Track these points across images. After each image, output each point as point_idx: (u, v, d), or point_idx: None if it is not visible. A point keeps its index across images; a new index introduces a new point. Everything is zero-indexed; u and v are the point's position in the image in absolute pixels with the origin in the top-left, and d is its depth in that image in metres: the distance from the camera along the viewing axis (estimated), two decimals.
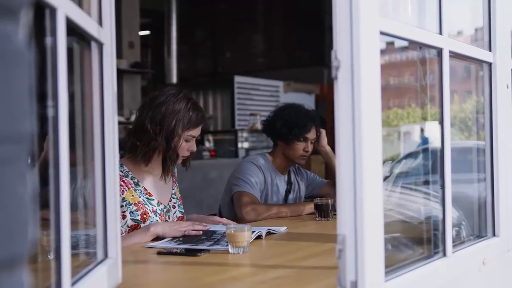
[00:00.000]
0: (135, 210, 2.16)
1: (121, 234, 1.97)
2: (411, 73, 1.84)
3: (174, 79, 8.75)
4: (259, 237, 2.05)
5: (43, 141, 1.05)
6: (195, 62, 10.63)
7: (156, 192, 2.27)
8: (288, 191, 2.98)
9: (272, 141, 3.00)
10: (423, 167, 1.85)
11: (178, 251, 1.84)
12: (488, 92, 1.76)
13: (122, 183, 2.15)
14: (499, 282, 1.79)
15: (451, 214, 1.49)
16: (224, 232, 2.11)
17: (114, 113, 1.33)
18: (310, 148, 2.89)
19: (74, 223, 1.32)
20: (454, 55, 1.52)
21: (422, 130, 2.01)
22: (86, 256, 1.35)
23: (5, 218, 0.52)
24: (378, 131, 1.15)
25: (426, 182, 1.76)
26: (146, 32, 10.13)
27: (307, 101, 7.68)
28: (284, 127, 2.85)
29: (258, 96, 8.23)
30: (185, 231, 2.05)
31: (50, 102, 0.96)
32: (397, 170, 2.09)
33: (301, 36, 9.30)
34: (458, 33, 1.96)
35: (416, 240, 1.62)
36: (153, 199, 2.24)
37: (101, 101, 1.30)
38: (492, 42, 1.74)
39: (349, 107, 1.11)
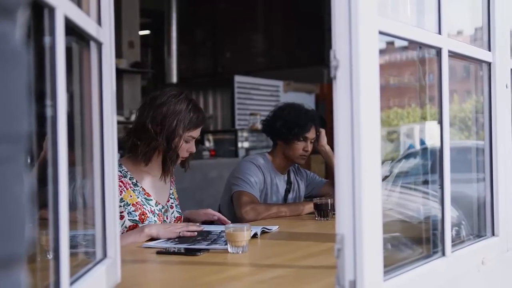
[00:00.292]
0: (133, 211, 2.16)
1: None
2: (411, 73, 1.84)
3: (174, 79, 8.76)
4: (254, 236, 2.06)
5: (42, 140, 1.05)
6: (195, 62, 10.63)
7: (154, 192, 2.27)
8: (287, 191, 2.98)
9: (272, 140, 3.00)
10: (422, 167, 1.85)
11: (177, 250, 1.85)
12: (488, 92, 1.77)
13: (120, 183, 2.15)
14: (498, 282, 1.79)
15: (451, 214, 1.49)
16: (220, 231, 2.12)
17: (113, 112, 1.33)
18: (309, 147, 2.89)
19: (73, 223, 1.33)
20: (453, 54, 1.52)
21: (421, 130, 2.01)
22: (85, 256, 1.35)
23: (2, 217, 0.52)
24: (376, 130, 1.15)
25: (426, 182, 1.76)
26: (146, 32, 10.14)
27: (307, 100, 7.68)
28: (284, 126, 2.85)
29: (258, 96, 8.22)
30: (179, 232, 2.05)
31: (49, 102, 0.97)
32: (396, 170, 2.09)
33: (301, 36, 9.30)
34: (458, 33, 1.96)
35: (415, 240, 1.63)
36: (151, 200, 2.24)
37: (100, 101, 1.30)
38: (491, 42, 1.74)
39: (348, 106, 1.11)
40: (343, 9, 1.10)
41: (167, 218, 2.29)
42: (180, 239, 2.02)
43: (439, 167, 1.48)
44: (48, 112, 0.96)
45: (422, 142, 1.91)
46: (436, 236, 1.50)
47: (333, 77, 1.13)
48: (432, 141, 1.62)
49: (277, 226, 2.31)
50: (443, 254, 1.45)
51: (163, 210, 2.28)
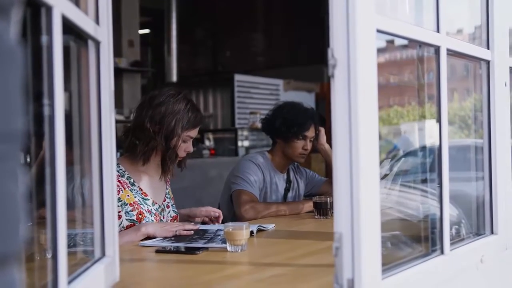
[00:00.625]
0: (130, 211, 2.16)
1: None
2: (411, 71, 1.84)
3: (174, 78, 8.75)
4: (250, 234, 2.05)
5: (42, 140, 1.05)
6: (195, 60, 10.63)
7: (151, 192, 2.27)
8: (287, 190, 2.98)
9: (271, 139, 3.00)
10: (422, 165, 1.86)
11: (177, 249, 1.85)
12: (486, 90, 1.76)
13: (118, 183, 2.16)
14: (497, 280, 1.79)
15: (450, 212, 1.49)
16: (217, 230, 2.12)
17: (111, 111, 1.33)
18: (309, 146, 2.89)
19: (73, 222, 1.33)
20: (451, 53, 1.52)
21: (420, 129, 2.01)
22: (84, 255, 1.35)
23: None
24: (374, 129, 1.15)
25: (425, 180, 1.76)
26: (146, 31, 10.14)
27: (307, 99, 7.68)
28: (283, 125, 2.85)
29: (258, 95, 8.22)
30: (176, 231, 2.05)
31: (46, 101, 0.97)
32: (396, 168, 2.09)
33: (301, 34, 9.29)
34: (457, 31, 1.96)
35: (414, 238, 1.63)
36: (148, 199, 2.24)
37: (98, 100, 1.30)
38: (490, 40, 1.74)
39: (345, 105, 1.11)
40: (341, 8, 1.10)
41: (163, 218, 2.30)
42: (177, 237, 2.02)
43: (437, 165, 1.48)
44: (46, 111, 0.96)
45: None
46: (435, 234, 1.50)
47: (331, 76, 1.13)
48: (431, 140, 1.61)
49: (273, 225, 2.31)
50: (442, 252, 1.45)
51: (159, 210, 2.28)
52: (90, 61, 1.28)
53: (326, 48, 1.14)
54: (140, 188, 2.24)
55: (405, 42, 1.49)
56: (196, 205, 2.52)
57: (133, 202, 2.18)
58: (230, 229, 1.80)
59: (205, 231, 2.14)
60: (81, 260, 1.31)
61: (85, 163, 1.33)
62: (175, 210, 2.39)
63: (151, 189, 2.28)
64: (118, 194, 2.14)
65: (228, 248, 1.80)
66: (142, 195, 2.23)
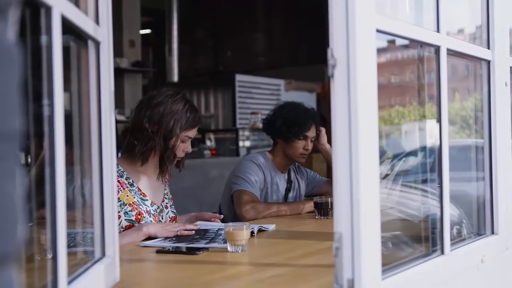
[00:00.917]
0: (129, 211, 2.16)
1: None
2: (412, 71, 1.84)
3: (175, 78, 8.75)
4: (251, 234, 2.05)
5: (43, 140, 1.05)
6: (196, 60, 10.63)
7: (150, 192, 2.27)
8: (288, 190, 2.98)
9: (272, 139, 3.00)
10: (423, 165, 1.85)
11: (177, 249, 1.85)
12: (487, 90, 1.76)
13: (117, 183, 2.15)
14: (497, 280, 1.79)
15: (451, 212, 1.49)
16: (217, 230, 2.12)
17: (111, 111, 1.33)
18: (310, 146, 2.89)
19: (73, 222, 1.33)
20: (452, 53, 1.52)
21: (421, 129, 2.00)
22: (85, 255, 1.35)
23: None
24: (374, 129, 1.15)
25: (426, 180, 1.76)
26: (147, 31, 10.14)
27: (309, 99, 7.68)
28: (284, 125, 2.85)
29: (259, 95, 8.22)
30: (177, 231, 2.05)
31: (46, 101, 0.97)
32: (397, 168, 2.09)
33: (302, 34, 9.29)
34: (458, 31, 1.96)
35: (415, 238, 1.62)
36: (147, 200, 2.24)
37: (98, 100, 1.30)
38: (490, 40, 1.74)
39: (345, 105, 1.11)
40: (340, 7, 1.10)
41: (162, 218, 2.30)
42: (178, 238, 2.02)
43: (438, 165, 1.47)
44: (46, 111, 0.96)
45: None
46: (435, 235, 1.50)
47: (330, 76, 1.13)
48: (432, 140, 1.61)
49: (274, 225, 2.31)
50: (442, 252, 1.45)
51: (158, 210, 2.28)
52: (90, 61, 1.29)
53: (327, 48, 1.14)
54: (139, 188, 2.24)
55: (406, 42, 1.49)
56: (197, 205, 2.53)
57: (132, 203, 2.18)
58: (231, 230, 1.80)
59: (206, 231, 2.14)
60: (81, 260, 1.31)
61: (86, 163, 1.33)
62: (174, 210, 2.39)
63: (149, 189, 2.28)
64: (117, 194, 2.14)
65: (229, 249, 1.80)
66: (141, 196, 2.23)
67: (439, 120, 1.47)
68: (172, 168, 2.35)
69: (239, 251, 1.79)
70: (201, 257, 1.75)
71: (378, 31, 1.17)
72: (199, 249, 1.82)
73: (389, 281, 1.21)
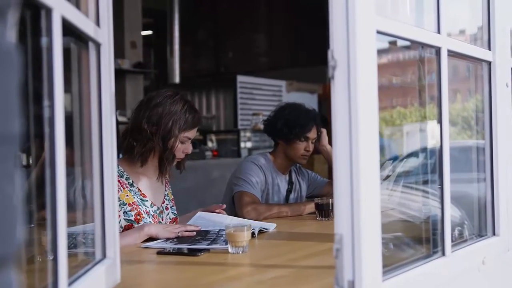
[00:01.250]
0: (129, 211, 2.16)
1: None
2: (414, 72, 1.84)
3: (177, 79, 8.75)
4: (252, 235, 2.05)
5: (43, 142, 1.05)
6: (197, 61, 10.62)
7: (150, 193, 2.27)
8: (289, 191, 2.98)
9: (273, 140, 3.00)
10: (424, 166, 1.85)
11: (178, 250, 1.85)
12: (488, 91, 1.76)
13: (117, 183, 2.15)
14: (498, 282, 1.79)
15: (453, 214, 1.49)
16: (219, 230, 2.12)
17: (112, 113, 1.33)
18: (311, 147, 2.89)
19: (74, 224, 1.33)
20: (452, 54, 1.52)
21: (422, 130, 2.00)
22: (86, 256, 1.36)
23: None
24: (375, 130, 1.15)
25: (427, 181, 1.76)
26: (149, 32, 10.14)
27: (310, 100, 7.67)
28: (285, 126, 2.85)
29: (261, 96, 8.22)
30: (178, 232, 2.05)
31: (47, 103, 0.97)
32: (398, 169, 2.09)
33: (304, 35, 9.28)
34: (460, 32, 1.96)
35: (416, 239, 1.62)
36: (147, 200, 2.24)
37: (99, 101, 1.30)
38: (491, 41, 1.74)
39: (345, 107, 1.11)
40: (340, 9, 1.10)
41: (162, 220, 2.30)
42: (179, 239, 2.02)
43: (438, 166, 1.47)
44: (47, 113, 0.97)
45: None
46: (436, 236, 1.50)
47: (331, 77, 1.13)
48: (434, 141, 1.61)
49: (275, 225, 2.31)
50: (443, 254, 1.45)
51: (158, 212, 2.28)
52: (91, 63, 1.29)
53: (327, 49, 1.14)
54: (139, 189, 2.24)
55: (408, 43, 1.49)
56: (198, 206, 2.52)
57: (132, 203, 2.18)
58: (232, 231, 1.80)
59: (207, 232, 2.14)
60: (82, 261, 1.31)
61: (86, 165, 1.33)
62: (175, 212, 2.39)
63: (150, 190, 2.28)
64: (117, 194, 2.14)
65: (230, 250, 1.80)
66: (141, 196, 2.23)
67: (440, 121, 1.47)
68: (171, 169, 2.35)
69: (240, 252, 1.79)
70: (202, 259, 1.75)
71: (379, 32, 1.17)
72: (200, 250, 1.82)
73: (389, 282, 1.21)
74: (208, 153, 6.57)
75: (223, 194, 2.98)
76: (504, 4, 1.76)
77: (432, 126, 1.67)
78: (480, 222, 1.79)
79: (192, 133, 2.26)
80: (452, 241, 1.48)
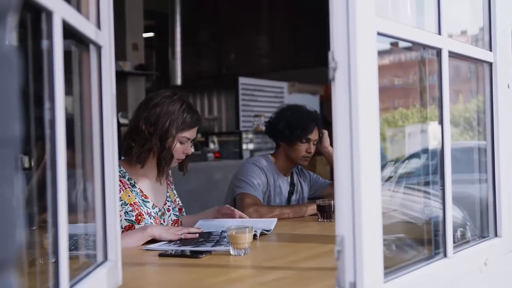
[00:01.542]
0: (130, 211, 2.16)
1: None
2: (416, 73, 1.84)
3: (179, 81, 8.76)
4: (253, 237, 2.05)
5: (44, 144, 1.05)
6: (199, 63, 10.62)
7: (152, 194, 2.27)
8: (291, 193, 2.98)
9: (275, 142, 3.00)
10: (426, 168, 1.85)
11: (180, 252, 1.85)
12: (489, 92, 1.76)
13: (119, 183, 2.16)
14: (500, 283, 1.78)
15: (455, 215, 1.49)
16: (221, 232, 2.12)
17: (113, 115, 1.34)
18: (312, 149, 2.89)
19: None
20: (453, 55, 1.52)
21: (423, 131, 2.00)
22: (87, 258, 1.36)
23: None
24: (375, 132, 1.15)
25: (429, 183, 1.76)
26: (150, 34, 10.14)
27: (312, 102, 7.67)
28: (287, 128, 2.85)
29: (263, 97, 8.22)
30: (181, 234, 2.05)
31: (48, 105, 0.97)
32: (400, 171, 2.09)
33: (305, 37, 9.28)
34: (461, 33, 1.95)
35: (418, 241, 1.62)
36: (149, 202, 2.24)
37: (100, 104, 1.30)
38: (492, 42, 1.74)
39: (346, 108, 1.11)
40: (341, 10, 1.10)
41: (164, 221, 2.29)
42: (182, 241, 2.02)
43: (440, 167, 1.47)
44: (47, 116, 0.97)
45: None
46: (438, 237, 1.50)
47: (331, 79, 1.13)
48: (435, 142, 1.61)
49: (275, 220, 2.30)
50: (445, 255, 1.45)
51: (159, 213, 2.28)
52: (92, 65, 1.29)
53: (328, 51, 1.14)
54: (140, 190, 2.23)
55: (409, 44, 1.49)
56: (201, 207, 2.52)
57: (134, 203, 2.18)
58: (233, 233, 1.80)
59: (210, 233, 2.14)
60: (84, 264, 1.31)
61: (88, 167, 1.33)
62: (176, 214, 2.39)
63: (151, 192, 2.27)
64: (118, 194, 2.14)
65: (231, 252, 1.80)
66: (143, 197, 2.23)
67: (441, 122, 1.46)
68: (168, 169, 2.34)
69: (242, 254, 1.79)
70: (204, 261, 1.75)
71: (379, 33, 1.17)
72: (202, 252, 1.81)
73: (391, 284, 1.21)
74: (210, 155, 6.58)
75: (225, 195, 2.98)
76: (505, 5, 1.76)
77: (434, 127, 1.67)
78: (482, 223, 1.79)
79: (191, 134, 2.25)
80: (454, 242, 1.48)
